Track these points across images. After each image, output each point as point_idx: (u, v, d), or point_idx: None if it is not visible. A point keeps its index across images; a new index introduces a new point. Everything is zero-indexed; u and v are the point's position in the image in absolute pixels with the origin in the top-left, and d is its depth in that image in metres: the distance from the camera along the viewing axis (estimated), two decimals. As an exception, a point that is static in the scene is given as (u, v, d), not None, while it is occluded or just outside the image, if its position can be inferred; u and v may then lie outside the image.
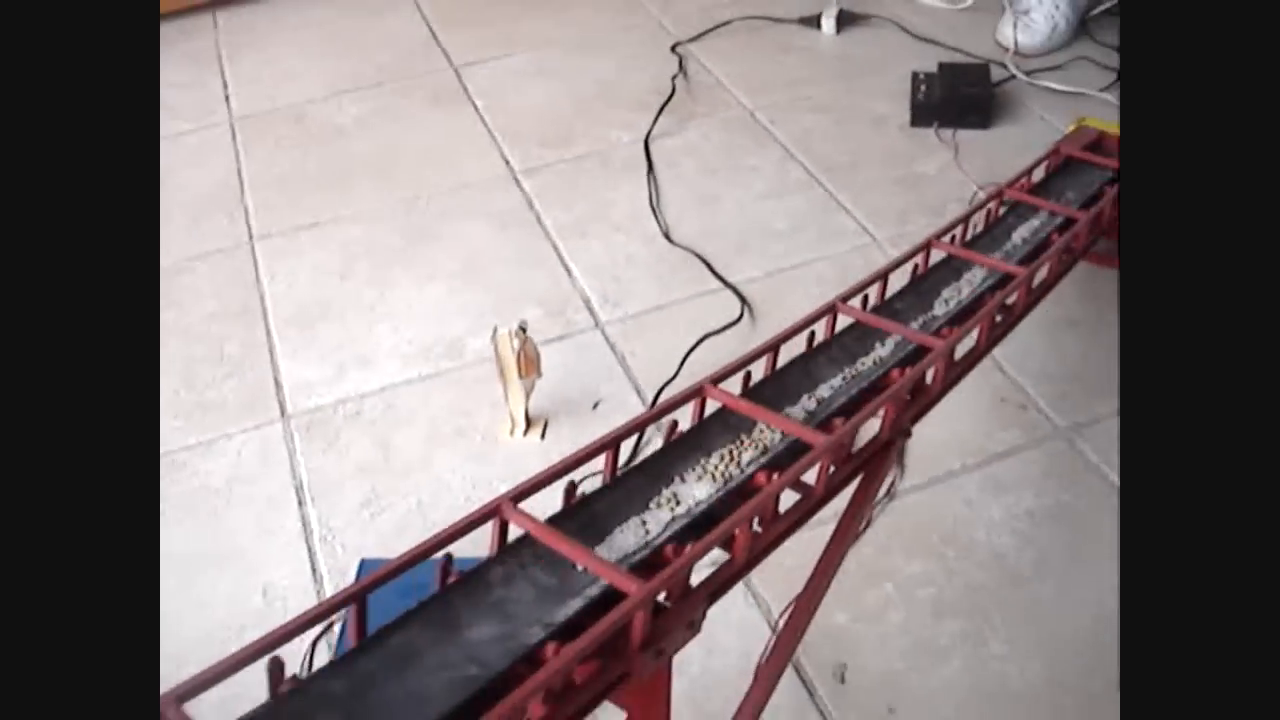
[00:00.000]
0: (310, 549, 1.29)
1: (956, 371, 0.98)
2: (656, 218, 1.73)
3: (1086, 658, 1.10)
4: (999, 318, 1.03)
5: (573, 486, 0.74)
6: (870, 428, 0.87)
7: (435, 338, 1.56)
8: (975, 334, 0.98)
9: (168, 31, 2.46)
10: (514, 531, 0.70)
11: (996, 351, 1.14)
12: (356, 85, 2.18)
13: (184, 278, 1.72)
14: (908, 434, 0.92)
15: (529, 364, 1.33)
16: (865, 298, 1.01)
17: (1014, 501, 1.27)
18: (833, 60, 2.14)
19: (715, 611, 0.74)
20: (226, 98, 2.20)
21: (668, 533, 0.71)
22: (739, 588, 1.13)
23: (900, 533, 1.23)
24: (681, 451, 0.80)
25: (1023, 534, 1.23)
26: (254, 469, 1.40)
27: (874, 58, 2.12)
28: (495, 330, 1.30)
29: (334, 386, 1.50)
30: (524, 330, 1.31)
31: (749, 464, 0.79)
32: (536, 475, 0.73)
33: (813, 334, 0.94)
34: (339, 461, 1.39)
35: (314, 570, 1.26)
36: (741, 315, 1.53)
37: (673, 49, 2.17)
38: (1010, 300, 1.04)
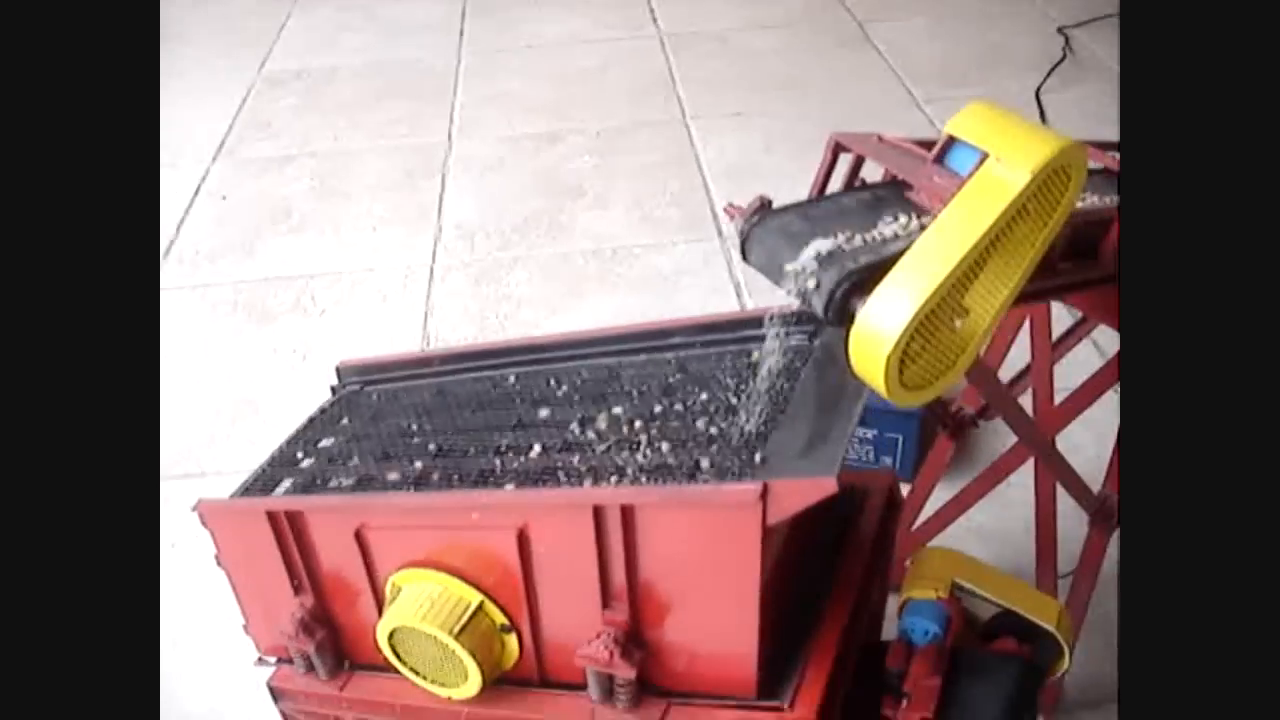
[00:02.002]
0: (748, 325, 1.54)
1: None
2: (1050, 146, 1.93)
3: None
4: None
5: None
6: None
7: (849, 203, 1.80)
8: None
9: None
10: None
11: None
12: (769, 25, 2.49)
13: (627, 137, 2.04)
14: None
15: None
16: None
17: None
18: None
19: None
20: (654, 19, 2.55)
21: None
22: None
23: None
24: None
25: None
26: (696, 266, 1.67)
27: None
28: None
29: (762, 223, 1.76)
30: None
31: None
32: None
33: None
34: (769, 273, 1.64)
35: (752, 339, 1.51)
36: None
37: (1059, 30, 2.37)
38: None
